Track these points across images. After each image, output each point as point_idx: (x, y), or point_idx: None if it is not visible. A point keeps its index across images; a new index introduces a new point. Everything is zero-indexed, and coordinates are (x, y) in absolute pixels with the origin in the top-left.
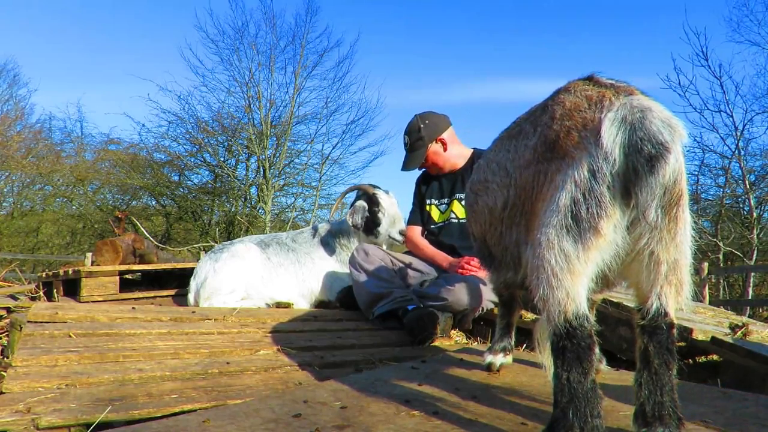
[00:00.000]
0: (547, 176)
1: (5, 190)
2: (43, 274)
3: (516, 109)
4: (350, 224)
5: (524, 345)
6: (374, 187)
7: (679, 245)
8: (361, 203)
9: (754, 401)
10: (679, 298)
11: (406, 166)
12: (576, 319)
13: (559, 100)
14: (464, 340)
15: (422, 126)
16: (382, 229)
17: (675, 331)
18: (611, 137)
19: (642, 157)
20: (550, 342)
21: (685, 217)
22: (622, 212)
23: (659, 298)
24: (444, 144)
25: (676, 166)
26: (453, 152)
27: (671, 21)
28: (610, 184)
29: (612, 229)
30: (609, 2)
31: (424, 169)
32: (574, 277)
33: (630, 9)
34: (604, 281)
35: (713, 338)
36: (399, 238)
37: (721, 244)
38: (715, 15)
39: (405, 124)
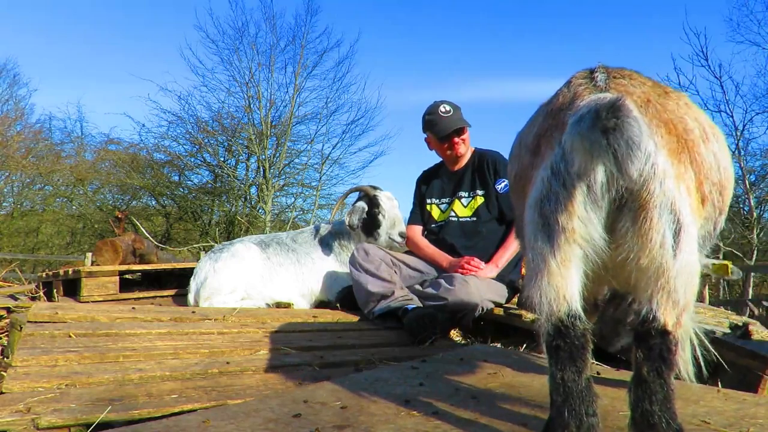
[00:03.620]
0: (532, 170)
1: (5, 190)
2: (43, 274)
3: (516, 110)
4: (347, 224)
5: (524, 345)
6: (375, 188)
7: (666, 246)
8: (361, 204)
9: (754, 401)
10: (675, 307)
11: (456, 124)
12: (567, 317)
13: (559, 93)
14: (464, 340)
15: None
16: (382, 230)
17: (672, 339)
18: (570, 138)
19: (601, 120)
20: (544, 341)
21: (668, 215)
22: (587, 210)
23: (649, 302)
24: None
25: (641, 141)
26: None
27: (671, 21)
28: (567, 182)
29: (579, 225)
30: (609, 2)
31: (423, 170)
32: (557, 276)
33: (630, 9)
34: (602, 282)
35: (713, 338)
36: (399, 240)
37: (721, 244)
38: (715, 15)
39: (406, 124)
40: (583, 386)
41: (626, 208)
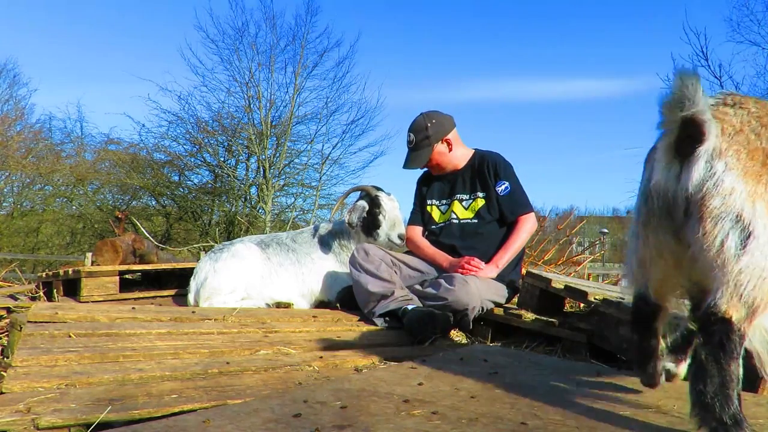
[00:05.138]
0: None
1: (5, 190)
2: (43, 274)
3: (516, 110)
4: (346, 222)
5: (524, 344)
6: (377, 189)
7: (726, 247)
8: (362, 203)
9: (754, 401)
10: (741, 302)
11: (410, 165)
12: (636, 299)
13: None
14: (464, 340)
15: (429, 125)
16: (382, 231)
17: (733, 328)
18: (656, 158)
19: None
20: None
21: (730, 223)
22: (661, 220)
23: (714, 294)
24: (449, 144)
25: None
26: (457, 153)
27: (671, 21)
28: (648, 199)
29: (652, 233)
30: (609, 3)
31: (425, 170)
32: (636, 271)
33: (630, 9)
34: (679, 279)
35: None
36: (398, 242)
37: None
38: (715, 15)
39: (406, 124)
40: (647, 345)
41: (692, 219)
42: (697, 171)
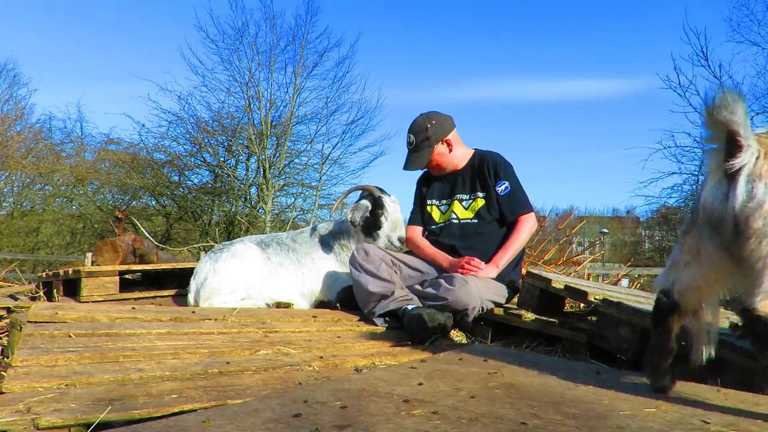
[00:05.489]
0: None
1: (5, 190)
2: (43, 274)
3: (516, 110)
4: (348, 220)
5: (524, 344)
6: (380, 190)
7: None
8: (365, 203)
9: (754, 401)
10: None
11: (410, 166)
12: (660, 293)
13: None
14: (464, 340)
15: (429, 126)
16: (383, 232)
17: (759, 321)
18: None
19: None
20: None
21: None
22: (706, 232)
23: (748, 295)
24: (449, 145)
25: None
26: (457, 153)
27: (671, 21)
28: (695, 215)
29: (691, 241)
30: (610, 3)
31: (425, 170)
32: (673, 269)
33: (630, 9)
34: (712, 288)
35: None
36: (398, 244)
37: None
38: (715, 15)
39: (406, 124)
40: (662, 346)
41: (741, 236)
42: (740, 192)
